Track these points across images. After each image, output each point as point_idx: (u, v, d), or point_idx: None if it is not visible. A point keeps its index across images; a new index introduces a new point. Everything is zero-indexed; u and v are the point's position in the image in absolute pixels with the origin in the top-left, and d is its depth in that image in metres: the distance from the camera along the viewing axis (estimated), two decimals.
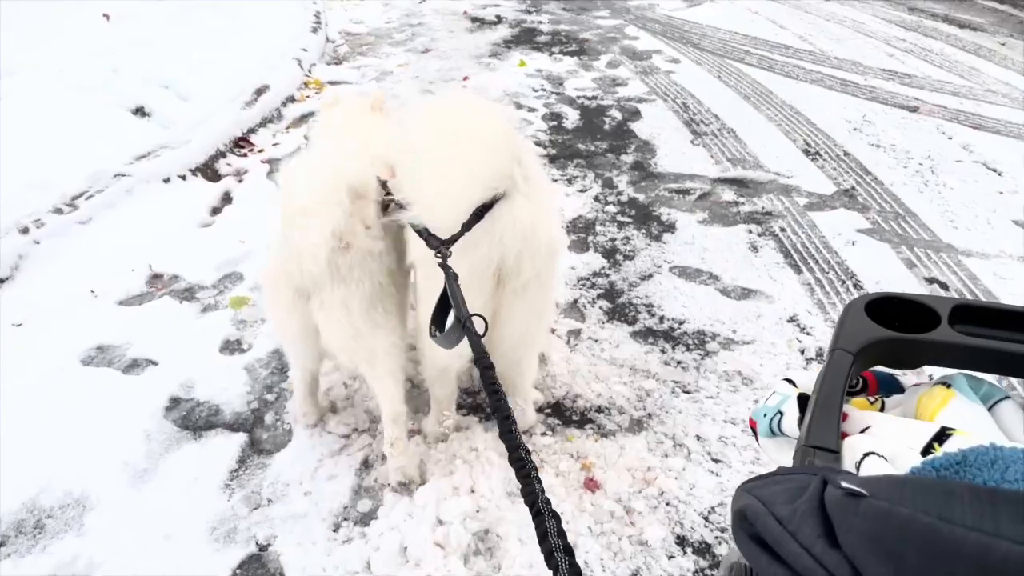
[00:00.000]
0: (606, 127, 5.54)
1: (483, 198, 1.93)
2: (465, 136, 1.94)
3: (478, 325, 1.61)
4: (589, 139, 5.33)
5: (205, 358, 3.14)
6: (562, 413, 2.86)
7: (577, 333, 3.29)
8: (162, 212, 4.25)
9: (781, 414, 1.13)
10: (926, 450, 0.90)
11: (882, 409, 1.12)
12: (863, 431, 0.99)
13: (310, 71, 6.60)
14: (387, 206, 2.20)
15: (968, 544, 0.55)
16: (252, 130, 5.43)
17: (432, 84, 6.41)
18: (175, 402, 2.91)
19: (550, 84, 6.39)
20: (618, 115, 5.75)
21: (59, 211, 4.00)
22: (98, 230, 4.02)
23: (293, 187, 2.13)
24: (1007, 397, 1.04)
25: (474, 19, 8.52)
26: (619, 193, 4.56)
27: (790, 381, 1.19)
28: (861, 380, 1.17)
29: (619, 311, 3.46)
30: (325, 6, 8.85)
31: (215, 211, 4.45)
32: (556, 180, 4.71)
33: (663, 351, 3.19)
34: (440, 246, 1.90)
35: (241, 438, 2.75)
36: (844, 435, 0.97)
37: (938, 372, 1.11)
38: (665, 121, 5.63)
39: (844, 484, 0.67)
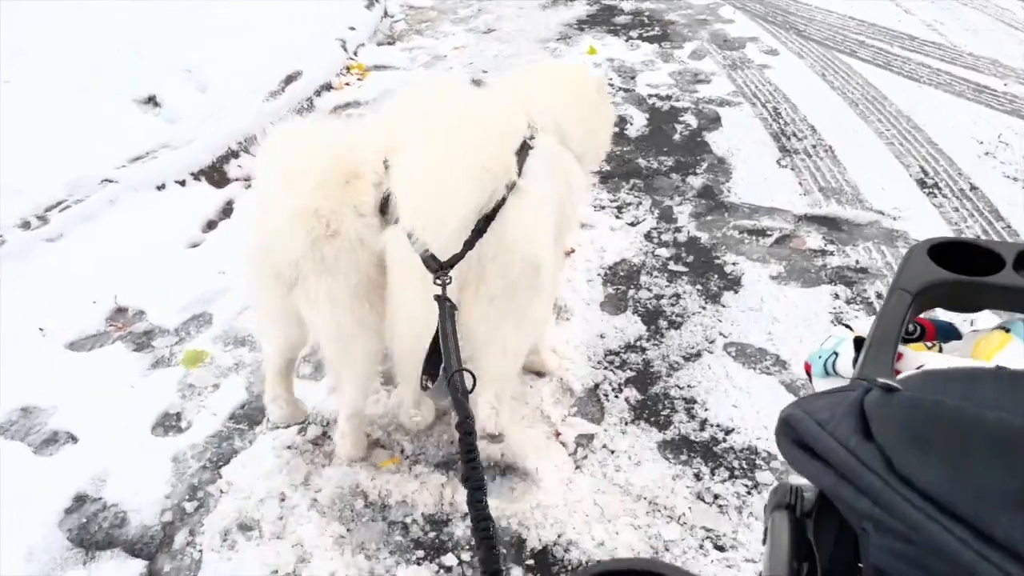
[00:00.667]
0: (676, 137, 4.69)
1: (481, 202, 1.86)
2: (462, 128, 1.92)
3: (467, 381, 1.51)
4: (653, 153, 4.51)
5: (133, 438, 2.60)
6: (547, 567, 2.17)
7: (589, 440, 2.58)
8: (147, 227, 3.74)
9: (836, 355, 1.15)
10: None
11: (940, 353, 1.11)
12: (918, 368, 0.97)
13: (355, 53, 5.97)
14: (387, 199, 1.99)
15: (988, 422, 0.59)
16: (275, 124, 4.86)
17: (486, 73, 5.68)
18: (79, 502, 2.38)
19: (620, 78, 5.55)
20: (693, 122, 4.88)
21: (26, 225, 3.53)
22: (68, 249, 3.54)
23: (274, 157, 2.04)
24: None
25: None
26: (677, 230, 3.76)
27: (847, 326, 1.20)
28: (919, 328, 1.16)
29: (649, 407, 2.72)
30: None
31: (210, 226, 3.92)
32: (604, 207, 3.94)
33: (697, 476, 2.45)
34: (439, 270, 1.77)
35: (138, 568, 2.19)
36: (898, 372, 0.96)
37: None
38: (749, 132, 4.73)
39: (880, 380, 0.72)
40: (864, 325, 1.13)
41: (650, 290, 3.33)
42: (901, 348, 1.02)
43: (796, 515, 0.88)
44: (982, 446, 0.59)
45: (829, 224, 3.79)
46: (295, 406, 2.51)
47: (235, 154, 4.47)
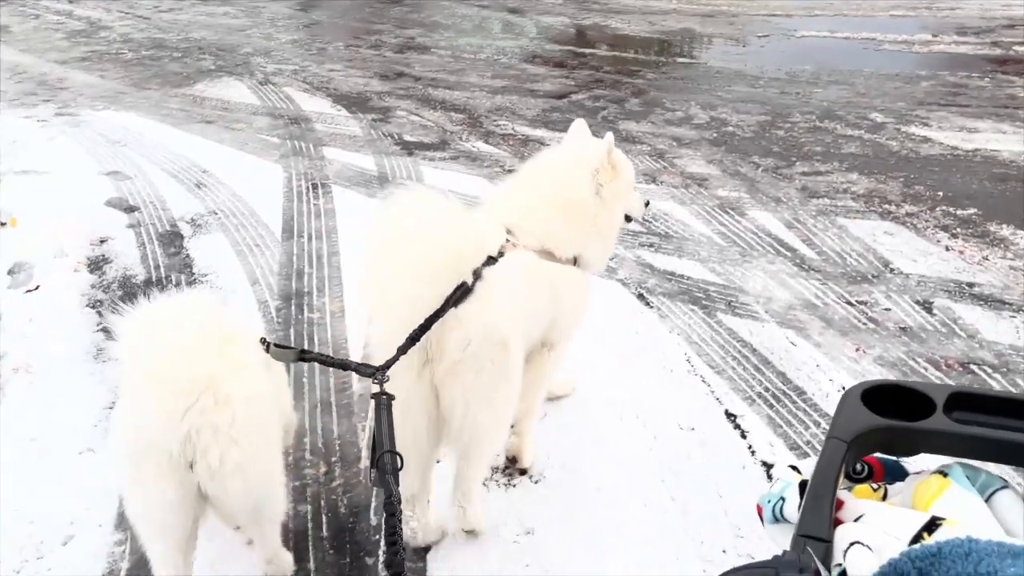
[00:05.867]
0: None
1: (423, 312, 1.98)
2: (411, 248, 2.02)
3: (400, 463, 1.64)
4: None
5: None
6: None
7: None
8: None
9: (783, 500, 1.17)
10: (916, 539, 0.92)
11: (884, 497, 1.14)
12: (857, 519, 1.01)
13: None
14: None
15: None
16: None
17: None
18: None
19: None
20: None
21: None
22: None
23: (141, 333, 1.87)
24: (1005, 487, 1.05)
25: None
26: None
27: (794, 468, 1.22)
28: (867, 467, 1.17)
29: None
30: None
31: None
32: None
33: None
34: (376, 372, 1.88)
35: None
36: (839, 522, 0.99)
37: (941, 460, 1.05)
38: None
39: None
40: (811, 467, 1.10)
41: None
42: (844, 495, 1.05)
43: None
44: None
45: None
46: None
47: None
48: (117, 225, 5.03)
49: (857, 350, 3.45)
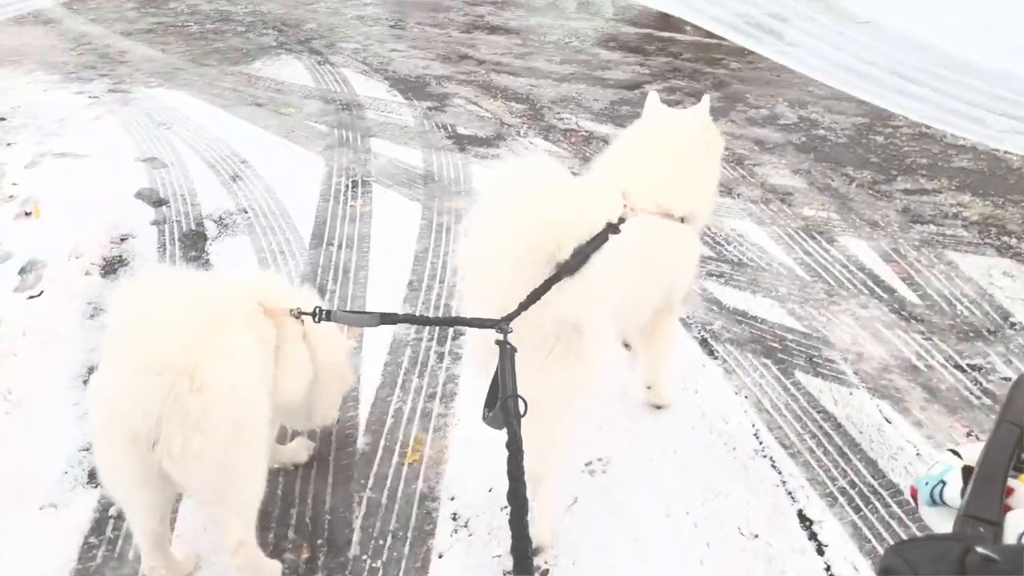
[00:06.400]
0: None
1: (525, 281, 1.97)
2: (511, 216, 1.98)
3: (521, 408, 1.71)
4: None
5: None
6: None
7: None
8: None
9: (944, 483, 1.15)
10: None
11: None
12: None
13: None
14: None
15: None
16: None
17: None
18: None
19: None
20: None
21: None
22: None
23: (132, 311, 1.88)
24: None
25: None
26: None
27: (955, 452, 1.19)
28: None
29: None
30: None
31: None
32: None
33: None
34: (499, 323, 1.91)
35: None
36: (1008, 508, 0.98)
37: None
38: None
39: (979, 549, 0.75)
40: (972, 453, 1.10)
41: None
42: (1013, 483, 1.02)
43: None
44: None
45: None
46: (177, 567, 2.24)
47: None
48: (142, 221, 4.70)
49: (968, 434, 2.81)
